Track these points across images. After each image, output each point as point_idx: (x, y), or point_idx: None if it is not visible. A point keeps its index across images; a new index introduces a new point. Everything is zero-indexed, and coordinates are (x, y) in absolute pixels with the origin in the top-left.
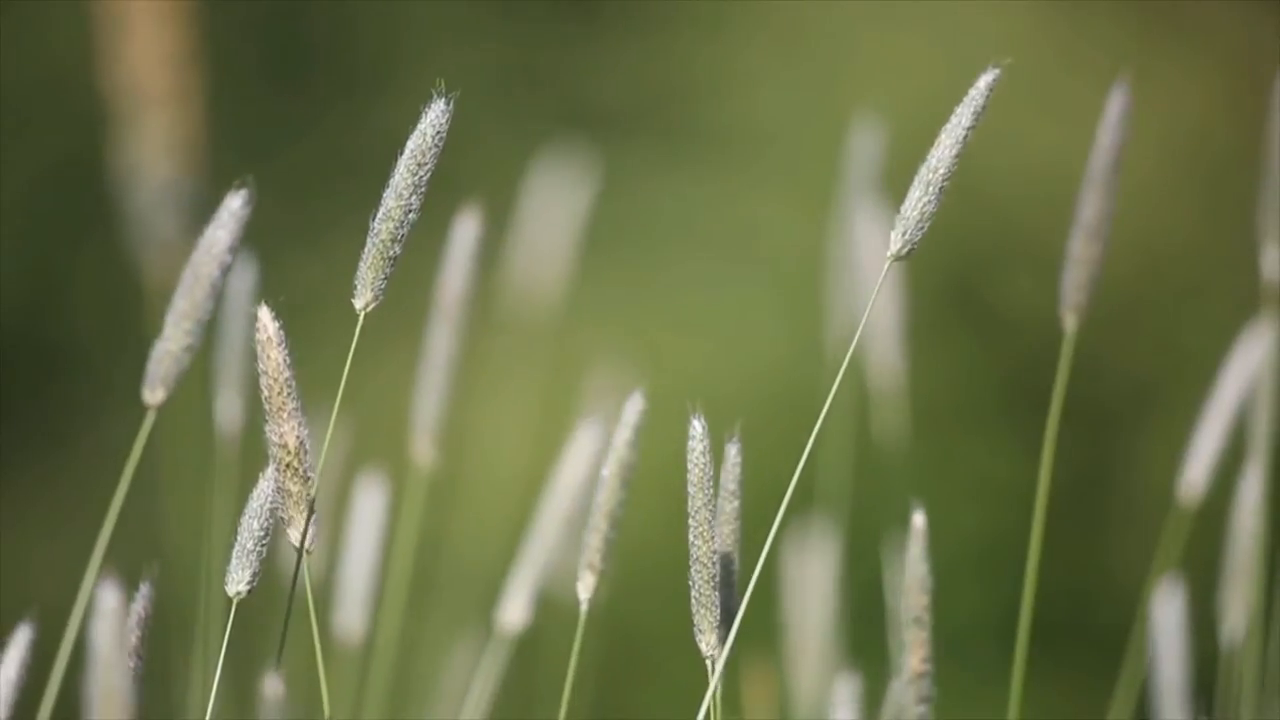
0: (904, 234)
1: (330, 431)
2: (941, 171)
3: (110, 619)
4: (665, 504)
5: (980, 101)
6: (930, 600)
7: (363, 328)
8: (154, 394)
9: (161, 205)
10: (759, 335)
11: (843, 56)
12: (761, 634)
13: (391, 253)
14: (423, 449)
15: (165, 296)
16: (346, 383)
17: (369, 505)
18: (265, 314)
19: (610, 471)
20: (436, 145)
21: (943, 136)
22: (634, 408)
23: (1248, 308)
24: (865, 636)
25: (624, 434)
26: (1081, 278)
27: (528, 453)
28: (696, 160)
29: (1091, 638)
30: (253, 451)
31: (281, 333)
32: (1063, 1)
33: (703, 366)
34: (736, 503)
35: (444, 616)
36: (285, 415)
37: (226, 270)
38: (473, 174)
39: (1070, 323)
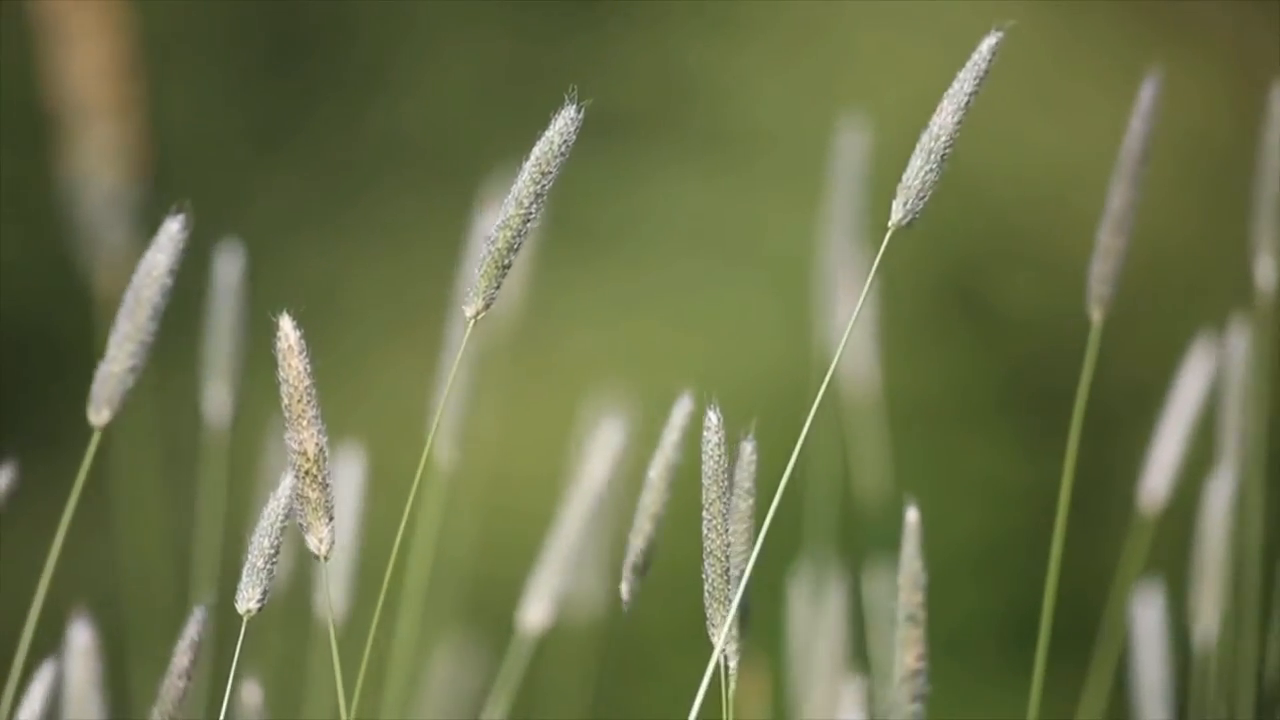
0: (905, 204)
1: (427, 450)
2: (944, 139)
3: (83, 657)
4: (668, 504)
5: (983, 66)
6: (924, 597)
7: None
8: (99, 415)
9: (108, 214)
10: (759, 335)
11: (843, 57)
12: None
13: (507, 261)
14: (445, 450)
15: (114, 304)
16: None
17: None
18: (287, 322)
19: (656, 473)
20: (563, 154)
21: (945, 103)
22: (682, 410)
23: (1248, 308)
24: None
25: (672, 435)
26: (1107, 270)
27: (503, 451)
28: (696, 160)
29: (1090, 638)
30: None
31: (303, 341)
32: (1061, 2)
33: (703, 367)
34: (751, 501)
35: (429, 615)
36: (305, 423)
37: (167, 293)
38: (470, 171)
39: (1096, 316)
